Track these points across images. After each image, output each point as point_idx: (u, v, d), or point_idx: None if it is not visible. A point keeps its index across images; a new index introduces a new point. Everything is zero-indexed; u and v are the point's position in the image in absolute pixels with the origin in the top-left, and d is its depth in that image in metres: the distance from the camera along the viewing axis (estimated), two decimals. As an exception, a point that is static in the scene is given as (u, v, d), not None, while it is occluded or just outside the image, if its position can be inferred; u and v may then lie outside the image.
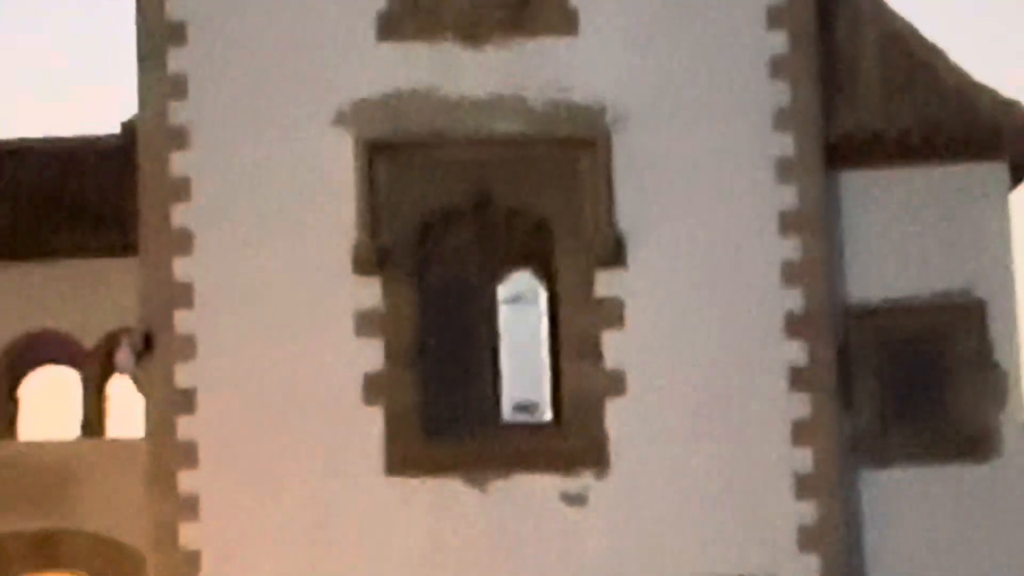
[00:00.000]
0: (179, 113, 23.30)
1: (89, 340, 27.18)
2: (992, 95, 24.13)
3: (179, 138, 23.13)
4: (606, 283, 22.83)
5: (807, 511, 22.46)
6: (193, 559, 22.06)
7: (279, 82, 23.42)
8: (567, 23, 23.45)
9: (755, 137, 23.77)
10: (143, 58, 23.71)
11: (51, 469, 26.71)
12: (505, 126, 23.02)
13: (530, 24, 23.64)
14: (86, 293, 26.75)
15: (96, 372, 27.42)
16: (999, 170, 24.06)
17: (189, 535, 22.13)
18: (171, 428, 22.40)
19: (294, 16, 23.85)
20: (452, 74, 23.25)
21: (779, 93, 23.67)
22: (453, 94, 23.13)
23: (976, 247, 23.88)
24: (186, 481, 22.28)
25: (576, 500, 22.37)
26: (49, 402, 30.02)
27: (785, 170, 23.46)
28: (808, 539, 22.61)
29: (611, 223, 22.76)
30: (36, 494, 26.32)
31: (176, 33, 24.23)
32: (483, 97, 23.13)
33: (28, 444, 27.96)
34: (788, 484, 22.73)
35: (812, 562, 22.42)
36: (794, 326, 23.11)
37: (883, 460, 23.42)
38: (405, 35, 23.39)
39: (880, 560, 23.47)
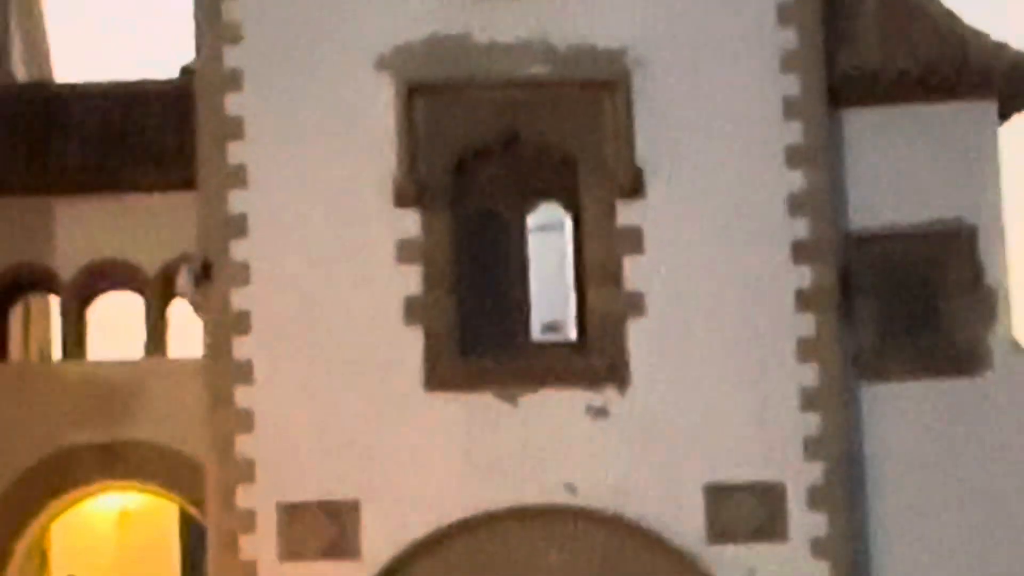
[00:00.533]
0: (233, 58, 23.56)
1: (151, 268, 27.50)
2: (983, 38, 24.49)
3: (233, 81, 23.41)
4: (626, 213, 23.19)
5: (812, 422, 23.00)
6: (248, 468, 22.57)
7: (325, 29, 23.70)
8: None
9: (763, 78, 24.09)
10: (200, 7, 24.04)
11: (118, 386, 27.22)
12: (533, 69, 23.30)
13: None
14: (149, 225, 27.14)
15: (158, 297, 27.83)
16: (989, 108, 24.39)
17: (245, 446, 22.66)
18: (227, 348, 22.91)
19: None
20: (485, 21, 23.39)
21: (786, 38, 23.99)
22: (485, 40, 23.34)
23: (968, 179, 24.20)
24: (242, 397, 22.77)
25: (599, 413, 22.82)
26: (115, 325, 30.77)
27: (791, 108, 23.86)
28: (813, 448, 23.13)
29: (631, 158, 23.00)
30: (105, 409, 26.73)
31: (229, -14, 26.05)
32: (513, 42, 23.34)
33: (97, 364, 28.39)
34: (794, 397, 23.21)
35: (816, 469, 22.91)
36: (799, 252, 23.50)
37: (882, 375, 23.90)
38: None
39: (879, 467, 23.90)
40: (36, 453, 27.06)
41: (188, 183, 24.11)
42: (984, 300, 23.94)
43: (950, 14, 24.75)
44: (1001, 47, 24.44)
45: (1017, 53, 24.81)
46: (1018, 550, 23.99)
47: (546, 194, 23.93)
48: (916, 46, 24.51)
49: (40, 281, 28.55)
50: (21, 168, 27.68)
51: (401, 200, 23.00)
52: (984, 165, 24.34)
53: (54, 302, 30.12)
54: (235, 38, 23.40)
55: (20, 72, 33.38)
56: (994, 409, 23.81)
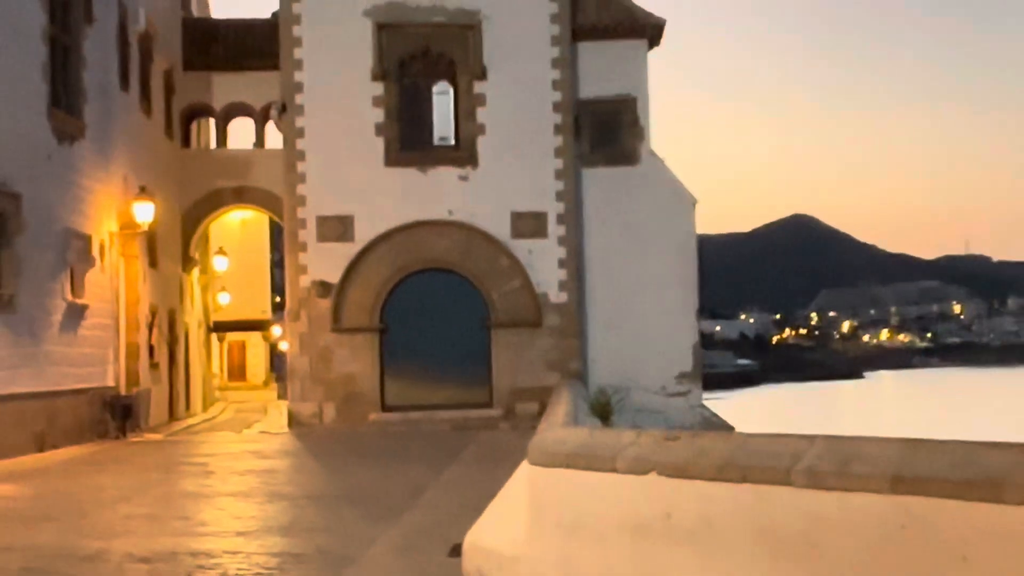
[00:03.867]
0: (295, 8, 27.05)
1: (258, 105, 31.83)
2: (638, 9, 28.67)
3: (296, 21, 26.98)
4: (478, 87, 27.52)
5: (560, 184, 27.69)
6: (301, 199, 26.85)
7: (345, 2, 27.16)
8: None
9: (532, 25, 27.62)
10: None
11: (242, 160, 31.79)
12: (436, 19, 27.26)
13: None
14: (259, 85, 30.50)
15: (260, 121, 32.39)
16: (642, 43, 28.85)
17: (301, 190, 26.91)
18: (292, 145, 26.96)
19: None
20: None
21: (552, 7, 27.76)
22: (415, 4, 27.27)
23: (632, 75, 28.55)
24: (300, 168, 26.89)
25: (463, 178, 27.51)
26: (242, 131, 33.88)
27: (554, 42, 27.80)
28: (559, 195, 27.67)
29: (480, 61, 27.37)
30: (235, 171, 31.38)
31: None
32: (428, 6, 27.25)
33: (232, 150, 32.49)
34: (551, 174, 27.59)
35: (561, 206, 27.59)
36: (555, 107, 27.61)
37: (591, 164, 28.49)
38: None
39: (587, 208, 28.32)
40: (204, 191, 31.44)
41: (276, 67, 27.69)
42: (637, 130, 28.46)
43: None
44: (647, 14, 28.90)
45: (655, 16, 28.96)
46: (649, 262, 28.16)
47: (442, 77, 27.83)
48: (609, 12, 28.55)
49: (204, 111, 32.38)
50: (198, 58, 31.53)
51: (374, 77, 27.17)
52: (639, 69, 28.71)
53: (211, 123, 33.28)
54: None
55: (195, 11, 35.25)
56: (641, 182, 28.58)
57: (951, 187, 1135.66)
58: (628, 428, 8.63)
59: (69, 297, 21.55)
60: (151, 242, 26.82)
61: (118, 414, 23.10)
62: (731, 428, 25.56)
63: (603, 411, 21.61)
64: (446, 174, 27.62)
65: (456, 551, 8.24)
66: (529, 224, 27.58)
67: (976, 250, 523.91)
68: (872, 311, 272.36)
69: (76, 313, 21.93)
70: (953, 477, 5.69)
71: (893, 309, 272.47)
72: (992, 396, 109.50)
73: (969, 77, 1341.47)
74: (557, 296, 27.31)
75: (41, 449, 19.63)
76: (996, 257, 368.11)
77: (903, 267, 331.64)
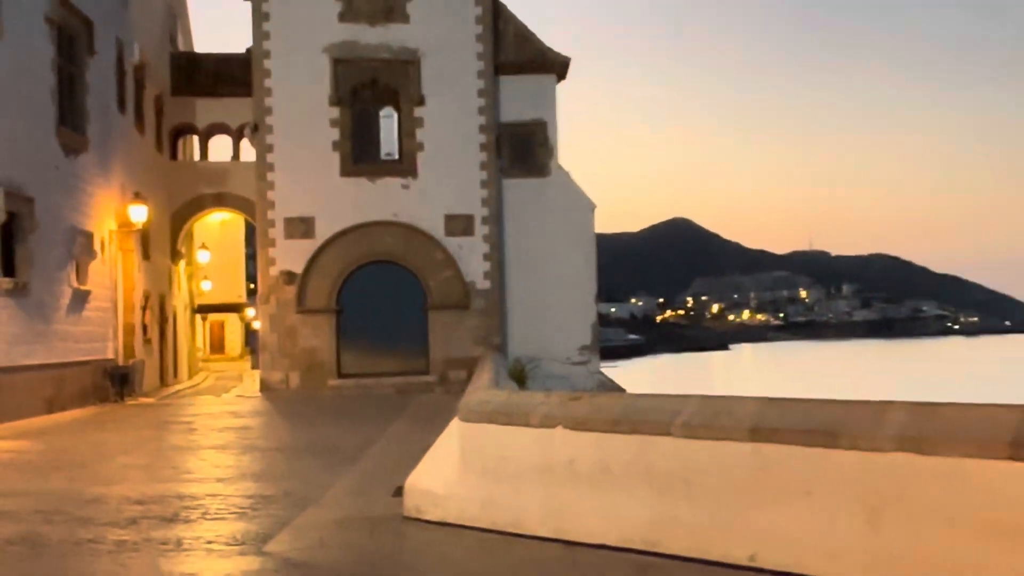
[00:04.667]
0: (266, 45, 26.39)
1: (234, 125, 30.98)
2: (548, 48, 28.33)
3: (266, 55, 26.22)
4: (418, 112, 27.02)
5: (485, 192, 26.98)
6: (271, 203, 26.19)
7: (305, 36, 26.71)
8: (405, 15, 26.99)
9: (468, 60, 27.08)
10: (256, 27, 26.51)
11: (221, 171, 30.91)
12: (382, 55, 26.86)
13: (392, 16, 26.90)
14: (235, 109, 29.92)
15: (236, 138, 30.97)
16: (551, 77, 28.46)
17: (270, 195, 26.25)
18: (264, 157, 26.37)
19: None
20: (365, 36, 26.94)
21: (478, 48, 27.28)
22: (364, 42, 26.82)
23: (542, 102, 28.16)
24: (269, 177, 26.20)
25: (405, 186, 27.06)
26: (220, 146, 32.40)
27: (479, 76, 27.20)
28: (485, 200, 27.01)
29: (419, 90, 26.99)
30: (216, 179, 30.72)
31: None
32: (376, 43, 26.93)
33: (213, 162, 31.58)
34: (478, 184, 26.93)
35: (486, 209, 26.90)
36: (481, 130, 27.07)
37: (509, 175, 28.05)
38: (352, 19, 26.88)
39: (505, 212, 27.80)
40: (188, 196, 30.67)
41: (249, 93, 27.16)
42: (547, 148, 28.19)
43: (534, 37, 28.26)
44: (556, 53, 28.31)
45: (563, 55, 28.28)
46: (557, 256, 27.72)
47: (387, 103, 27.30)
48: (525, 51, 28.13)
49: (189, 129, 31.52)
50: (184, 86, 30.58)
51: (331, 103, 26.69)
52: (549, 98, 28.32)
53: (195, 139, 32.50)
54: (266, 36, 26.57)
55: (181, 46, 34.18)
56: (550, 191, 28.31)
57: (799, 195, 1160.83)
58: (539, 391, 8.73)
59: (75, 284, 21.38)
60: (144, 238, 26.36)
61: (117, 381, 22.82)
62: (623, 390, 25.24)
63: (519, 377, 21.96)
64: (391, 183, 27.18)
65: (399, 492, 8.21)
66: (459, 224, 27.21)
67: (818, 246, 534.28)
68: (736, 296, 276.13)
69: (81, 298, 21.74)
70: (799, 428, 5.84)
71: (752, 294, 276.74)
72: (830, 363, 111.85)
73: (810, 107, 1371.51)
74: (482, 284, 27.10)
75: (51, 411, 19.49)
76: (834, 252, 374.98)
77: (761, 260, 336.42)
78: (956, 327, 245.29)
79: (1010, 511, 4.81)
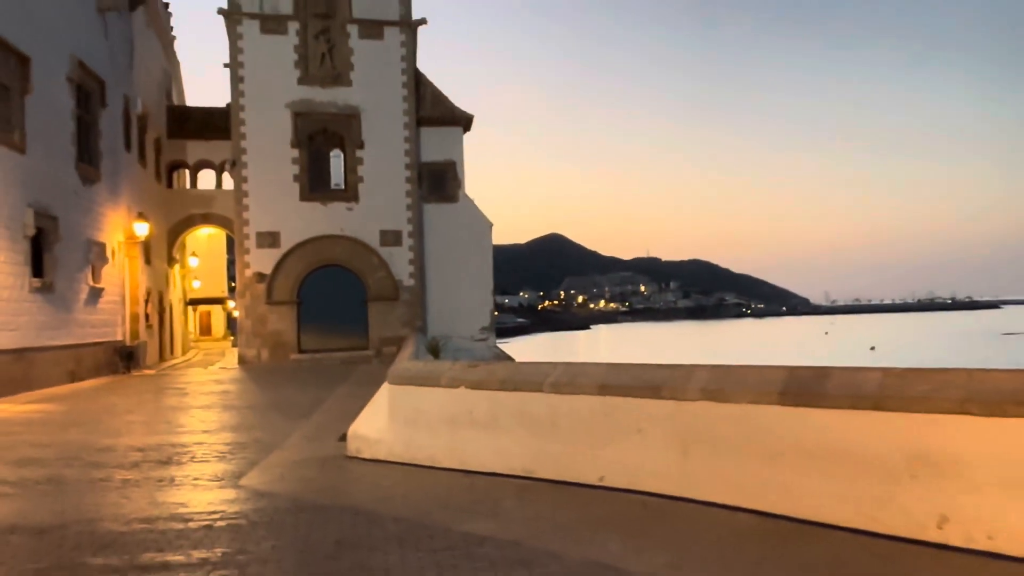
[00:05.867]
0: (242, 101, 24.58)
1: (217, 161, 29.12)
2: (452, 104, 27.00)
3: (242, 109, 24.53)
4: (359, 153, 25.72)
5: (410, 214, 25.57)
6: (247, 220, 24.55)
7: (271, 94, 24.96)
8: (349, 81, 25.47)
9: (397, 116, 25.71)
10: (233, 84, 24.88)
11: (207, 196, 28.61)
12: (332, 110, 25.54)
13: (339, 81, 25.58)
14: (217, 150, 28.52)
15: (219, 171, 29.31)
16: (459, 128, 27.16)
17: (246, 214, 24.62)
18: (240, 185, 24.66)
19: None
20: (319, 95, 25.63)
21: (405, 106, 25.59)
22: (319, 99, 25.49)
23: (452, 147, 26.96)
24: (244, 201, 24.73)
25: (348, 209, 25.84)
26: (207, 178, 31.15)
27: (405, 128, 25.74)
28: (408, 220, 25.46)
29: (360, 136, 25.52)
30: (203, 202, 29.11)
31: None
32: (327, 101, 25.59)
33: (200, 190, 29.53)
34: (404, 207, 25.49)
35: (411, 226, 25.40)
36: (410, 168, 25.58)
37: (428, 200, 26.35)
38: (308, 83, 25.27)
39: (427, 231, 26.31)
40: (181, 215, 29.03)
41: (228, 137, 25.94)
42: (456, 181, 27.02)
43: (446, 99, 26.87)
44: (463, 111, 26.91)
45: (468, 113, 27.10)
46: (464, 261, 26.45)
47: (336, 146, 26.00)
48: (438, 109, 26.89)
49: (182, 165, 29.67)
50: (177, 131, 29.00)
51: (292, 145, 25.41)
52: (457, 145, 27.10)
53: (186, 172, 30.31)
54: (241, 94, 25.12)
55: (175, 100, 32.98)
56: (459, 213, 27.16)
57: (639, 215, 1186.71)
58: (448, 360, 8.70)
59: (91, 283, 20.52)
60: (146, 248, 25.00)
61: (125, 357, 21.84)
62: (511, 359, 24.51)
63: (435, 350, 21.30)
64: (338, 206, 26.06)
65: (343, 438, 8.12)
66: (391, 237, 26.19)
67: (653, 254, 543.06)
68: (595, 290, 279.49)
69: (96, 293, 20.84)
70: (634, 384, 5.96)
71: (607, 289, 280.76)
72: (660, 338, 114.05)
73: (646, 151, 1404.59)
74: (408, 281, 26.19)
75: (72, 381, 18.85)
76: (664, 258, 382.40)
77: (612, 264, 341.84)
78: (748, 312, 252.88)
79: (779, 441, 4.96)
